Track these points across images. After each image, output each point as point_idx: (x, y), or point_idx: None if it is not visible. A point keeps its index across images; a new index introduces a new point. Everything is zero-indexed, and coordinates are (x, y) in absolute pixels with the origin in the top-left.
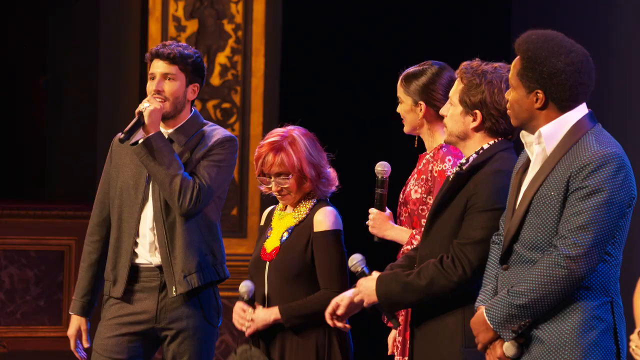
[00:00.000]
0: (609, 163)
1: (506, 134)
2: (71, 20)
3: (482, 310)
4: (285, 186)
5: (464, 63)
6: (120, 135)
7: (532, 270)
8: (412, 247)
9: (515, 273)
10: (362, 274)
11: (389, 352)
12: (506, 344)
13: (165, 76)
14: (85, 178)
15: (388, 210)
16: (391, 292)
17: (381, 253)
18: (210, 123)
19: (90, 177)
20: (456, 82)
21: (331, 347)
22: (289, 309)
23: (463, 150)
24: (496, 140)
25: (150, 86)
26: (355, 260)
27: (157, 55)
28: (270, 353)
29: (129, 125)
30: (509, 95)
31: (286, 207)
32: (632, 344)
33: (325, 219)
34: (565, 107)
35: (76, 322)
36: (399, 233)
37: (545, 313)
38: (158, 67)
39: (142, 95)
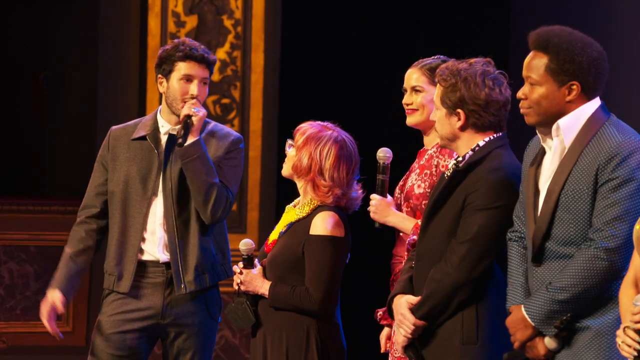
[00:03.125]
0: (636, 152)
1: (493, 127)
2: (71, 16)
3: (520, 309)
4: (288, 150)
5: (441, 66)
6: (178, 140)
7: (570, 265)
8: (417, 237)
9: (549, 269)
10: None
11: (382, 350)
12: (547, 338)
13: (202, 81)
14: (85, 174)
15: (389, 197)
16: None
17: (382, 239)
18: (211, 121)
19: (90, 173)
20: (437, 87)
21: (308, 347)
22: (277, 292)
23: (456, 151)
24: (491, 137)
25: (190, 89)
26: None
27: (202, 60)
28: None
29: (182, 130)
30: (532, 93)
31: (295, 204)
32: (619, 340)
33: (322, 223)
34: (591, 96)
35: (58, 297)
36: (400, 219)
37: (587, 306)
38: (197, 71)
39: (142, 90)
